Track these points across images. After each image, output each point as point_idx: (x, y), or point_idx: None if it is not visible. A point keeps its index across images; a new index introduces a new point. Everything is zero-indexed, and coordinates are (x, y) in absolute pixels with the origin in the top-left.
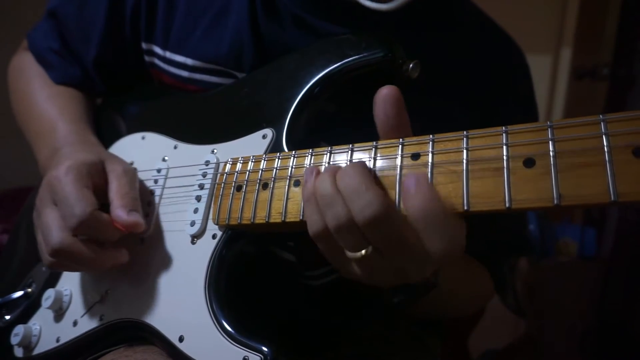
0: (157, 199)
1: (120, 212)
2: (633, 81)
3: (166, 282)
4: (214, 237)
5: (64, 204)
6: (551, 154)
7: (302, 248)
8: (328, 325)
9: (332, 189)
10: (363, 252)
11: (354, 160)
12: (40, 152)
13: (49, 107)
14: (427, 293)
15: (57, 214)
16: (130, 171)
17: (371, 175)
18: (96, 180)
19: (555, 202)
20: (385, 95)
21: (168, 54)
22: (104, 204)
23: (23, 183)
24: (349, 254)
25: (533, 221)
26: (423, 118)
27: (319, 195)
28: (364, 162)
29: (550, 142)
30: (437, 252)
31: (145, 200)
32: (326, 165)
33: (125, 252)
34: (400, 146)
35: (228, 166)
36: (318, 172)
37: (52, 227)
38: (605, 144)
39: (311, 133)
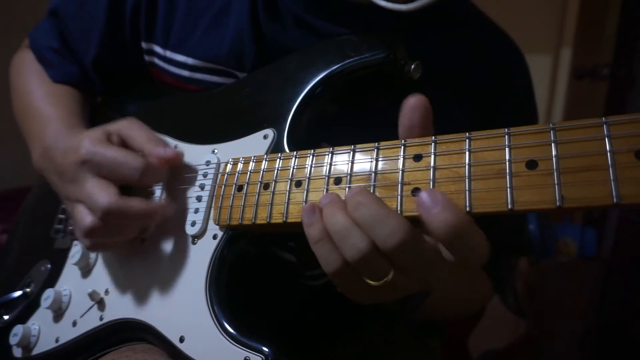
0: (157, 199)
1: (158, 150)
2: (633, 81)
3: (167, 283)
4: (214, 237)
5: (118, 166)
6: (554, 156)
7: (303, 248)
8: (328, 325)
9: (346, 221)
10: (386, 278)
11: (356, 162)
12: (33, 152)
13: (45, 105)
14: (425, 298)
15: (100, 182)
16: (134, 120)
17: (382, 200)
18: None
19: (558, 204)
20: (414, 103)
21: (168, 54)
22: None
23: (23, 183)
24: (372, 282)
25: (533, 221)
26: None
27: (332, 231)
28: (366, 189)
29: (552, 144)
30: (466, 261)
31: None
32: (327, 166)
33: (172, 204)
34: (402, 147)
35: (229, 166)
36: (320, 209)
37: (98, 192)
38: (608, 147)
39: (312, 133)
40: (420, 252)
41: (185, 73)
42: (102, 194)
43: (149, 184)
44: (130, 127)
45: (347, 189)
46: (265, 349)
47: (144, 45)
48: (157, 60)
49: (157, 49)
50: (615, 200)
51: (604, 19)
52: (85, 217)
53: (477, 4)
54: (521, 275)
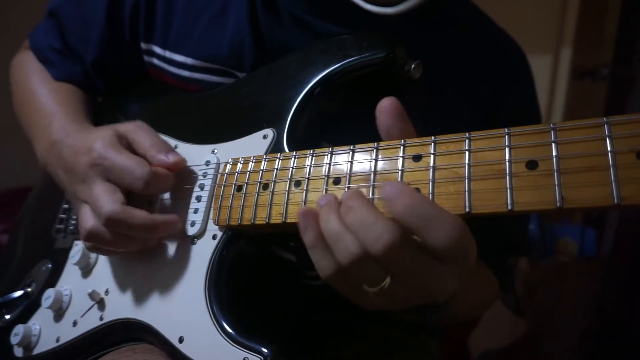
0: (157, 199)
1: (161, 156)
2: (633, 81)
3: (166, 283)
4: (214, 237)
5: (124, 174)
6: (554, 156)
7: (303, 248)
8: (328, 325)
9: (338, 225)
10: (382, 284)
11: (355, 162)
12: (38, 145)
13: (48, 101)
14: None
15: (109, 187)
16: (142, 124)
17: (373, 204)
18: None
19: (558, 204)
20: (385, 107)
21: (168, 54)
22: None
23: (23, 183)
24: (368, 289)
25: (533, 221)
26: (425, 118)
27: (326, 235)
28: (360, 191)
29: (553, 144)
30: (447, 247)
31: (145, 200)
32: (327, 166)
33: (177, 218)
34: (401, 147)
35: (228, 166)
36: (316, 214)
37: (105, 197)
38: (609, 147)
39: (312, 133)
40: (411, 256)
41: (184, 73)
42: (108, 200)
43: (154, 194)
44: (136, 131)
45: (346, 189)
46: (264, 349)
47: (143, 45)
48: (156, 61)
49: (157, 49)
50: (616, 201)
51: (604, 19)
52: (88, 220)
53: (477, 4)
54: (521, 275)
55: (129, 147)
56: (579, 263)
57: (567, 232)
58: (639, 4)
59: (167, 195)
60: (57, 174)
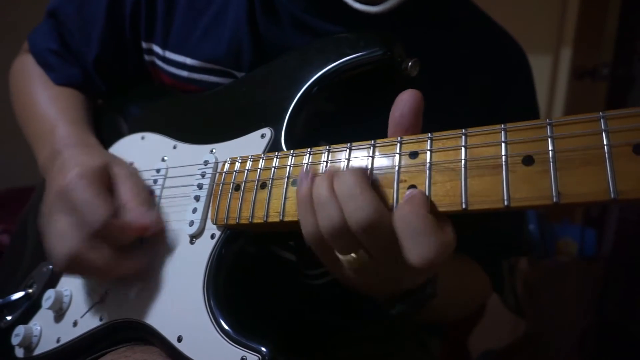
0: (156, 199)
1: (138, 213)
2: (633, 81)
3: (165, 283)
4: (212, 237)
5: (85, 210)
6: (550, 151)
7: (302, 247)
8: (327, 325)
9: (328, 192)
10: (354, 255)
11: (352, 159)
12: (40, 152)
13: (49, 108)
14: (426, 303)
15: (72, 221)
16: (134, 173)
17: (367, 179)
18: (103, 186)
19: (555, 200)
20: (408, 96)
21: (167, 54)
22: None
23: (23, 183)
24: (341, 256)
25: (533, 221)
26: (423, 116)
27: (314, 197)
28: (362, 166)
29: (549, 139)
30: (422, 263)
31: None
32: (324, 164)
33: (138, 261)
34: (398, 144)
35: (226, 166)
36: (314, 175)
37: (68, 234)
38: (605, 141)
39: (310, 132)
40: (383, 236)
41: (183, 73)
42: (69, 238)
43: (109, 240)
44: (125, 178)
45: None
46: (262, 348)
47: (144, 45)
48: (156, 60)
49: (157, 49)
50: (612, 195)
51: (604, 19)
52: (56, 256)
53: (477, 4)
54: (521, 275)
55: (110, 187)
56: (579, 263)
57: (567, 232)
58: (639, 4)
59: (166, 196)
60: (48, 183)
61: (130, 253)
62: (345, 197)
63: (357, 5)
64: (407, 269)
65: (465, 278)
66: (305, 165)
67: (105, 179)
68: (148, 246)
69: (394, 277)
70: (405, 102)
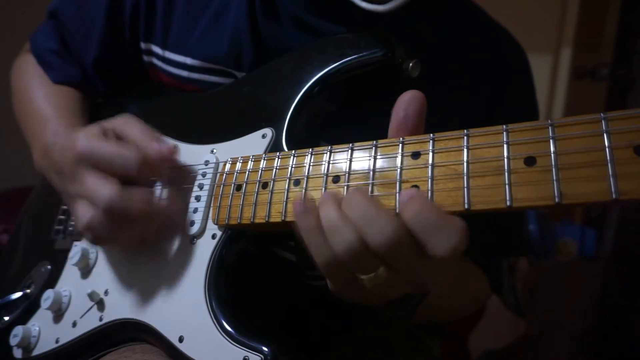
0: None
1: (154, 145)
2: (633, 81)
3: (166, 283)
4: (213, 237)
5: (115, 160)
6: (552, 152)
7: (303, 248)
8: (328, 325)
9: (339, 216)
10: (377, 272)
11: (354, 160)
12: (34, 151)
13: (45, 105)
14: (419, 304)
15: (100, 175)
16: (129, 117)
17: (374, 199)
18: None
19: (557, 200)
20: (412, 98)
21: (167, 54)
22: None
23: (23, 183)
24: (363, 276)
25: (533, 221)
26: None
27: (325, 223)
28: (362, 188)
29: (551, 140)
30: (447, 253)
31: None
32: (326, 164)
33: (174, 201)
34: (400, 145)
35: (227, 166)
36: (313, 209)
37: (100, 185)
38: (606, 142)
39: (311, 132)
40: (409, 250)
41: (183, 73)
42: (105, 187)
43: (148, 177)
44: (125, 123)
45: (345, 187)
46: (264, 348)
47: (143, 45)
48: (155, 61)
49: (156, 49)
50: (614, 196)
51: (604, 19)
52: (86, 212)
53: (477, 3)
54: (521, 275)
55: (119, 140)
56: (579, 263)
57: (567, 232)
58: (639, 4)
59: (167, 195)
60: (51, 178)
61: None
62: (362, 220)
63: (364, 5)
64: (429, 271)
65: (464, 278)
66: (308, 154)
67: (110, 134)
68: (148, 246)
69: (417, 283)
70: (409, 103)
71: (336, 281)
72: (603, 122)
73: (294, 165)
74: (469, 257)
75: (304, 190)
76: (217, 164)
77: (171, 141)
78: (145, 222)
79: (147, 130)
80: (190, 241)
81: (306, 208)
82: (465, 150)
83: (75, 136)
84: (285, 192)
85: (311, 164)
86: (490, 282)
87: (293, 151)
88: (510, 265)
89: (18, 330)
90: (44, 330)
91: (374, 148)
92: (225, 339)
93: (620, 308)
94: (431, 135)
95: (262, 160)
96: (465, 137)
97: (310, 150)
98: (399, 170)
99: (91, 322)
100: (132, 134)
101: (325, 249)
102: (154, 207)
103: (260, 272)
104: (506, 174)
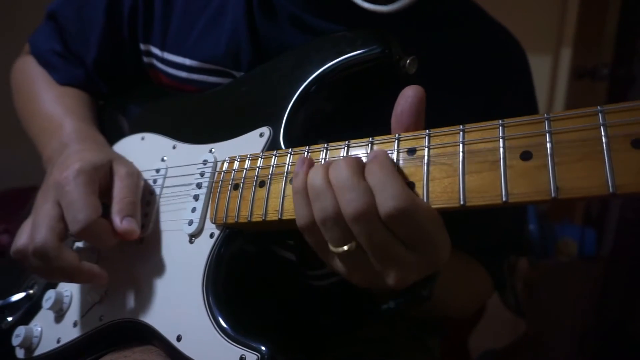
0: (156, 198)
1: (116, 218)
2: (633, 81)
3: (164, 282)
4: (211, 236)
5: (70, 208)
6: (548, 146)
7: (303, 247)
8: (327, 324)
9: (323, 182)
10: (346, 247)
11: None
12: (45, 146)
13: (55, 106)
14: (418, 306)
15: (55, 214)
16: (134, 174)
17: (362, 170)
18: (103, 183)
19: (553, 195)
20: (408, 91)
21: (166, 55)
22: (108, 205)
23: (23, 183)
24: (332, 248)
25: (533, 221)
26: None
27: (309, 187)
28: (358, 157)
29: (547, 134)
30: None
31: (144, 200)
32: (322, 162)
33: (105, 276)
34: (396, 141)
35: (225, 165)
36: (310, 164)
37: (43, 224)
38: (603, 135)
39: (309, 131)
40: (380, 231)
41: (182, 74)
42: (45, 228)
43: (88, 241)
44: (120, 178)
45: None
46: (261, 347)
47: (142, 46)
48: (155, 62)
49: (155, 50)
50: (611, 190)
51: (604, 19)
52: (22, 236)
53: (477, 2)
54: (521, 275)
55: (108, 186)
56: (579, 263)
57: (567, 232)
58: (639, 4)
59: (166, 195)
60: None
61: (101, 261)
62: (340, 188)
63: (367, 5)
64: (396, 267)
65: (465, 276)
66: (305, 152)
67: (105, 177)
68: (147, 245)
69: (381, 275)
70: (406, 98)
71: (314, 246)
72: (600, 114)
73: (290, 163)
74: (471, 253)
75: (307, 152)
76: (215, 163)
77: (171, 141)
78: (67, 279)
79: (132, 200)
80: (189, 240)
81: (301, 164)
82: (461, 145)
83: (74, 162)
84: (282, 190)
85: (309, 156)
86: (492, 280)
87: (290, 149)
88: (510, 265)
89: (20, 330)
90: (45, 330)
91: (370, 145)
92: (223, 337)
93: (620, 308)
94: (427, 131)
95: (259, 159)
96: (461, 133)
97: (307, 148)
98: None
99: (91, 322)
100: (116, 193)
101: (306, 210)
102: (76, 275)
103: (259, 271)
104: (502, 168)
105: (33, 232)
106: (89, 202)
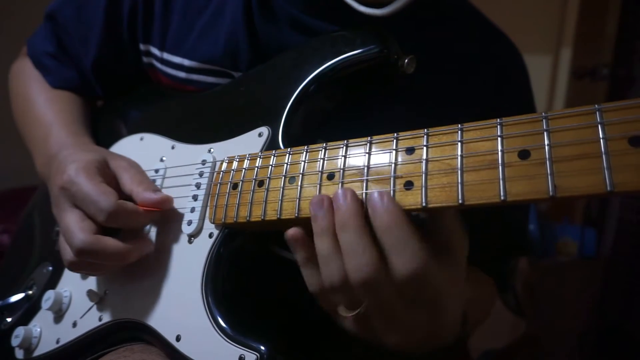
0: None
1: (148, 194)
2: (633, 81)
3: (163, 282)
4: (210, 236)
5: (88, 202)
6: (546, 145)
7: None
8: (327, 325)
9: (331, 247)
10: (356, 311)
11: (348, 157)
12: (36, 159)
13: (45, 111)
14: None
15: (78, 215)
16: (135, 164)
17: (368, 230)
18: (107, 180)
19: (551, 194)
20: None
21: (165, 55)
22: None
23: (23, 183)
24: (343, 313)
25: (533, 221)
26: (420, 113)
27: (318, 254)
28: (361, 214)
29: (545, 133)
30: (408, 275)
31: None
32: (321, 161)
33: (150, 241)
34: (394, 141)
35: (224, 165)
36: (309, 236)
37: (74, 228)
38: (600, 133)
39: (308, 130)
40: (387, 294)
41: (181, 74)
42: (77, 231)
43: (121, 227)
44: (125, 168)
45: (340, 184)
46: (261, 347)
47: (141, 47)
48: (154, 62)
49: (154, 50)
50: (609, 188)
51: (604, 19)
52: (66, 253)
53: (477, 4)
54: (521, 275)
55: (113, 180)
56: (579, 263)
57: (567, 232)
58: (639, 4)
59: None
60: (49, 188)
61: (136, 239)
62: (348, 253)
63: (362, 8)
64: (406, 330)
65: (481, 300)
66: (304, 161)
67: (106, 172)
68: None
69: (402, 327)
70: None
71: (329, 310)
72: (597, 113)
73: (289, 163)
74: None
75: (299, 189)
76: (214, 163)
77: (170, 142)
78: (120, 264)
79: (146, 179)
80: (188, 240)
81: (301, 243)
82: (459, 144)
83: (70, 162)
84: (281, 190)
85: (306, 161)
86: (495, 283)
87: (289, 149)
88: (510, 265)
89: (19, 331)
90: (44, 330)
91: (368, 144)
92: (222, 337)
93: (620, 308)
94: (425, 130)
95: (258, 159)
96: (459, 132)
97: (306, 147)
98: (392, 166)
99: (91, 322)
100: (127, 180)
101: (316, 278)
102: (126, 254)
103: (259, 270)
104: (500, 167)
105: (69, 241)
106: (102, 190)
